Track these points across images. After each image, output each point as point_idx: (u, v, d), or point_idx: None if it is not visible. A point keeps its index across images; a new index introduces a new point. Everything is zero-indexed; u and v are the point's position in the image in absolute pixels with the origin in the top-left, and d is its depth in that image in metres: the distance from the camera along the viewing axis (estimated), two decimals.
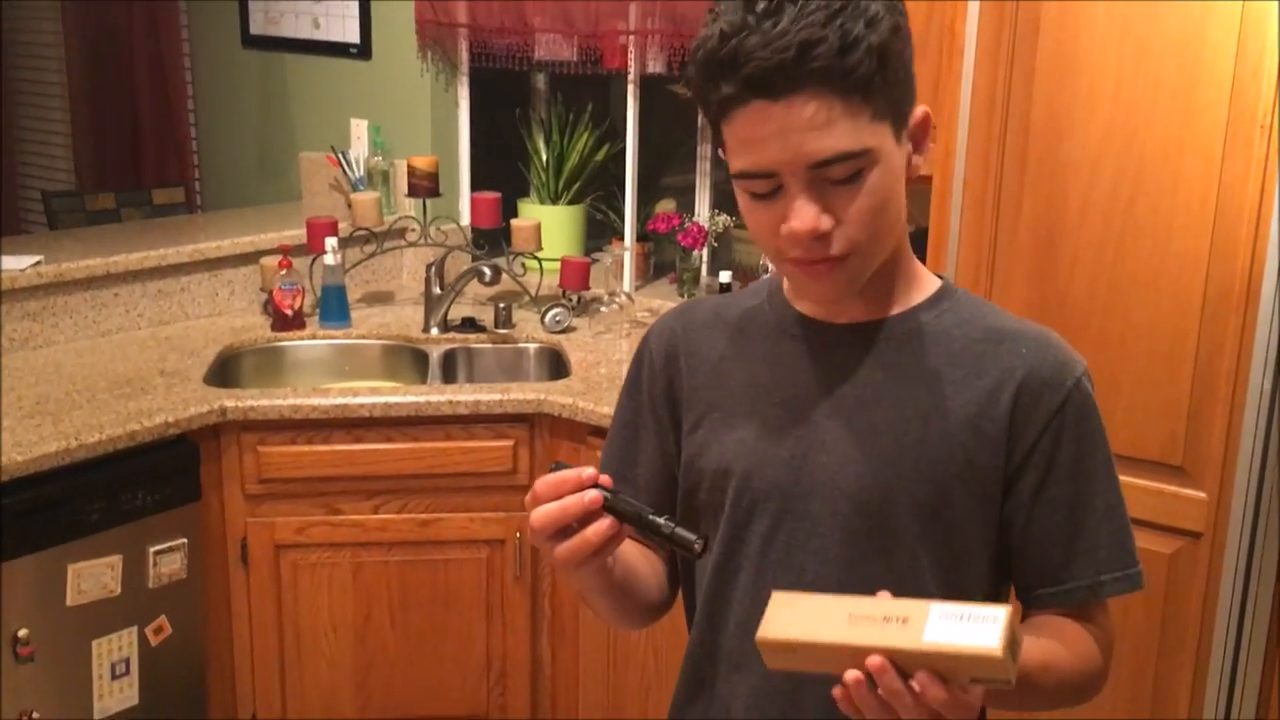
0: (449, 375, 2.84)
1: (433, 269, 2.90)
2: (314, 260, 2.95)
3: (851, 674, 0.82)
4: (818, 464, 1.05)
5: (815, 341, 1.09)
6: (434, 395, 2.48)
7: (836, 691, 0.84)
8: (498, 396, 2.46)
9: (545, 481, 0.99)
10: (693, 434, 1.13)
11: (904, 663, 0.82)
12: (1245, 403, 1.69)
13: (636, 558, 1.16)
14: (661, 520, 0.98)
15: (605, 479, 1.00)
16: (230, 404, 2.39)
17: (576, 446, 2.46)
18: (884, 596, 0.86)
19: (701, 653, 1.15)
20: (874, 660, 0.81)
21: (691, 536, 0.97)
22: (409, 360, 2.88)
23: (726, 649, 1.12)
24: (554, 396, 2.46)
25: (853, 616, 0.84)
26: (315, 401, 2.43)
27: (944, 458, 1.03)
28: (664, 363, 1.18)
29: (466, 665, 2.58)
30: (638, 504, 1.00)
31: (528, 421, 2.49)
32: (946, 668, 0.82)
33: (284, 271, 2.83)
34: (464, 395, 2.47)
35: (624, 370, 2.45)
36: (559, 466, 1.01)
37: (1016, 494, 1.04)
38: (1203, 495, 1.77)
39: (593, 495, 0.97)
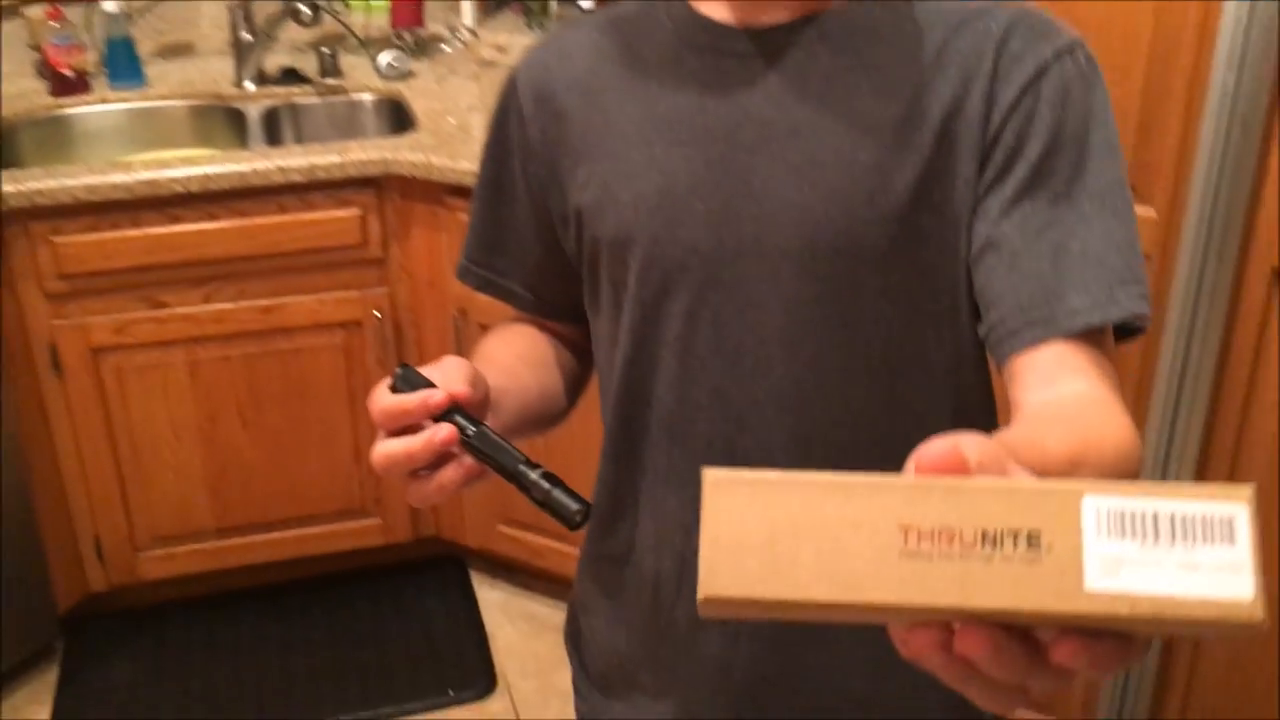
0: (274, 137, 2.46)
1: (238, 12, 2.46)
2: (90, 8, 2.47)
3: (923, 637, 0.44)
4: (745, 216, 0.80)
5: (730, 52, 0.82)
6: (260, 162, 2.11)
7: (899, 637, 0.45)
8: (335, 158, 2.12)
9: (383, 409, 0.76)
10: (581, 194, 0.87)
11: (1041, 621, 0.43)
12: (1204, 106, 1.50)
13: (526, 387, 0.93)
14: (534, 475, 0.76)
15: (462, 391, 0.77)
16: (10, 188, 1.99)
17: (434, 209, 2.15)
18: (934, 456, 0.44)
19: (617, 472, 0.93)
20: (976, 638, 0.42)
21: (570, 504, 0.75)
22: (223, 122, 2.48)
23: (648, 463, 0.90)
24: (402, 154, 2.13)
25: (907, 537, 0.42)
26: (116, 179, 2.04)
27: (908, 183, 0.78)
28: (535, 107, 0.89)
29: (333, 460, 2.35)
30: (505, 444, 0.77)
31: (374, 185, 2.16)
32: (1128, 627, 0.43)
33: (54, 24, 2.36)
34: (295, 160, 2.12)
35: (477, 119, 2.09)
36: (403, 375, 0.77)
37: (985, 208, 0.78)
38: (1151, 213, 1.60)
39: (445, 435, 0.74)
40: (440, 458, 0.75)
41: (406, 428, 0.76)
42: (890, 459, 0.88)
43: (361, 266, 2.20)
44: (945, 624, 0.43)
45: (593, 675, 1.00)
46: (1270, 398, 1.61)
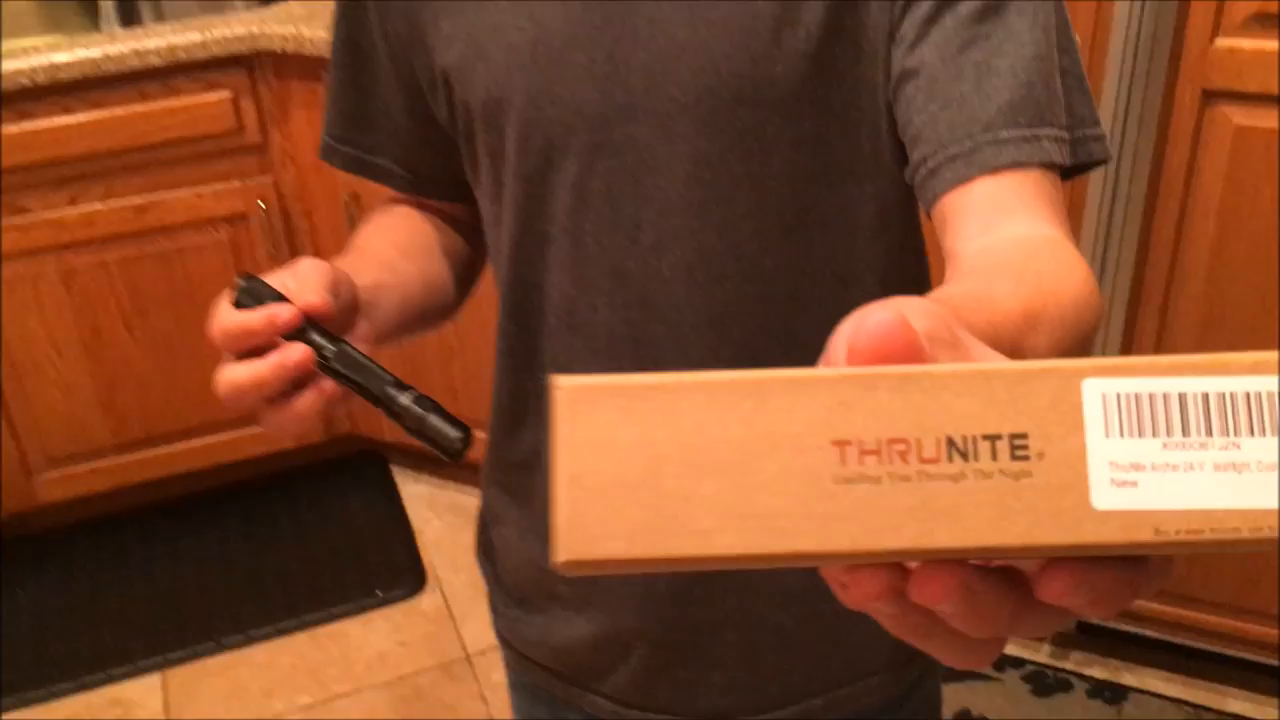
0: (128, 18, 2.25)
1: None
2: None
3: (868, 583, 0.32)
4: (633, 65, 0.69)
5: None
6: (112, 45, 1.92)
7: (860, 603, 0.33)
8: (196, 36, 1.93)
9: (223, 329, 0.64)
10: (447, 51, 0.74)
11: (1031, 554, 0.32)
12: None
13: (406, 281, 0.81)
14: (404, 400, 0.64)
15: (317, 302, 0.65)
16: None
17: (313, 87, 1.99)
18: (875, 332, 0.31)
19: (515, 369, 0.82)
20: (939, 582, 0.31)
21: (449, 431, 0.64)
22: (73, 5, 2.26)
23: (547, 358, 0.80)
24: (270, 27, 1.95)
25: (844, 455, 0.30)
26: None
27: (817, 14, 0.67)
28: None
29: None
30: (370, 365, 0.65)
31: (244, 64, 1.98)
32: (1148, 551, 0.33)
33: None
34: (151, 41, 1.93)
35: None
36: (247, 287, 0.65)
37: (901, 33, 0.67)
38: (1076, 37, 1.50)
39: (298, 358, 0.63)
40: (296, 382, 0.64)
41: (255, 349, 0.64)
42: (819, 333, 0.79)
43: (240, 155, 2.04)
44: (898, 563, 0.32)
45: (508, 589, 0.92)
46: (1204, 227, 1.55)
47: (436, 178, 0.84)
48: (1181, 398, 0.29)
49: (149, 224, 2.04)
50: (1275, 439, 0.29)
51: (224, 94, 1.98)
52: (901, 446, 0.30)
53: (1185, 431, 0.29)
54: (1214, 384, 0.30)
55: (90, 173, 1.97)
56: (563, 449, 0.30)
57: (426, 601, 2.14)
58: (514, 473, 0.86)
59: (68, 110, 1.92)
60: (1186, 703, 1.81)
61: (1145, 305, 1.63)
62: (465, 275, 0.88)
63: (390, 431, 2.34)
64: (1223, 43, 1.45)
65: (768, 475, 0.30)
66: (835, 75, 0.68)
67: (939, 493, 0.29)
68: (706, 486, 0.30)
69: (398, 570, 2.20)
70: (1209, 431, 0.29)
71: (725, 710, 0.85)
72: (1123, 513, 0.29)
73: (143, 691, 1.98)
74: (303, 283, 0.66)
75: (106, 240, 2.03)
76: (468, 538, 2.26)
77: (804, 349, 0.75)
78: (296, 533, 2.31)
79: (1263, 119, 1.47)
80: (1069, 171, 0.67)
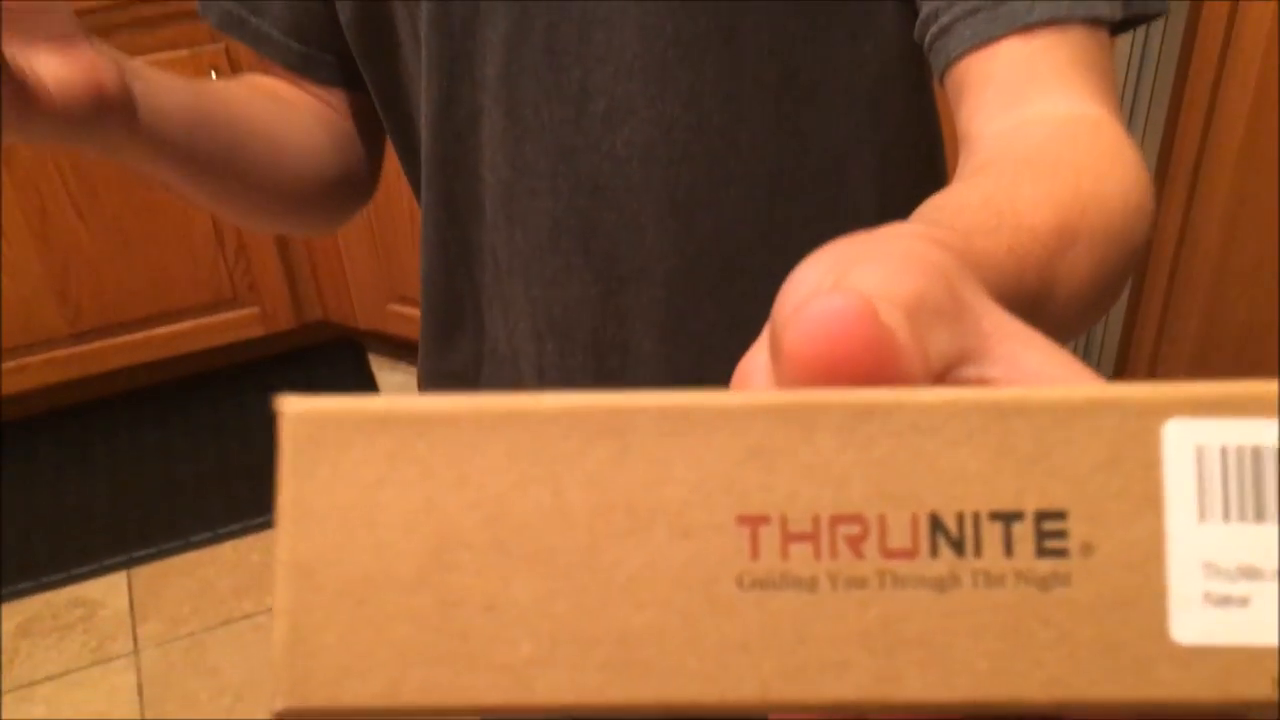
0: None
1: None
2: None
3: None
4: None
5: None
6: None
7: None
8: None
9: None
10: None
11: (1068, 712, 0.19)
12: None
13: (258, 106, 0.65)
14: None
15: None
16: None
17: None
18: (817, 324, 0.19)
19: (447, 268, 0.68)
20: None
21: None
22: None
23: (486, 255, 0.66)
24: None
25: (755, 544, 0.18)
26: None
27: None
28: None
29: (193, 246, 2.08)
30: None
31: None
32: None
33: None
34: None
35: None
36: None
37: None
38: None
39: None
40: None
41: None
42: (805, 226, 0.66)
43: (189, 21, 1.87)
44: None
45: None
46: (1239, 100, 1.40)
47: (324, 54, 0.69)
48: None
49: None
50: None
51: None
52: (853, 529, 0.18)
53: None
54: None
55: None
56: (288, 518, 0.19)
57: None
58: (450, 385, 0.74)
59: None
60: None
61: (1172, 186, 1.49)
62: (342, 164, 0.71)
63: (362, 318, 2.22)
64: None
65: (628, 572, 0.18)
66: None
67: (913, 609, 0.18)
68: (523, 589, 0.19)
69: None
70: None
71: None
72: (1223, 650, 0.17)
73: (106, 590, 1.90)
74: None
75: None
76: None
77: (788, 244, 0.61)
78: (268, 424, 2.20)
79: None
80: (1118, 27, 0.53)
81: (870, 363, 0.19)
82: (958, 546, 0.18)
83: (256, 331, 2.20)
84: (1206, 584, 0.17)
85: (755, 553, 0.18)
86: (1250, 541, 0.17)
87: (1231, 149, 1.44)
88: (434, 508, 0.19)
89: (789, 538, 0.18)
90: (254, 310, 2.18)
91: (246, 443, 2.17)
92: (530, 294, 0.65)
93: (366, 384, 2.28)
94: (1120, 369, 1.66)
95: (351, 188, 0.72)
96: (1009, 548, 0.18)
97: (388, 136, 0.71)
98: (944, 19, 0.50)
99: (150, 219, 2.02)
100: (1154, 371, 1.62)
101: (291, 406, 0.19)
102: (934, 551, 0.18)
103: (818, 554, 0.18)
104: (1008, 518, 0.18)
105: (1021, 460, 0.18)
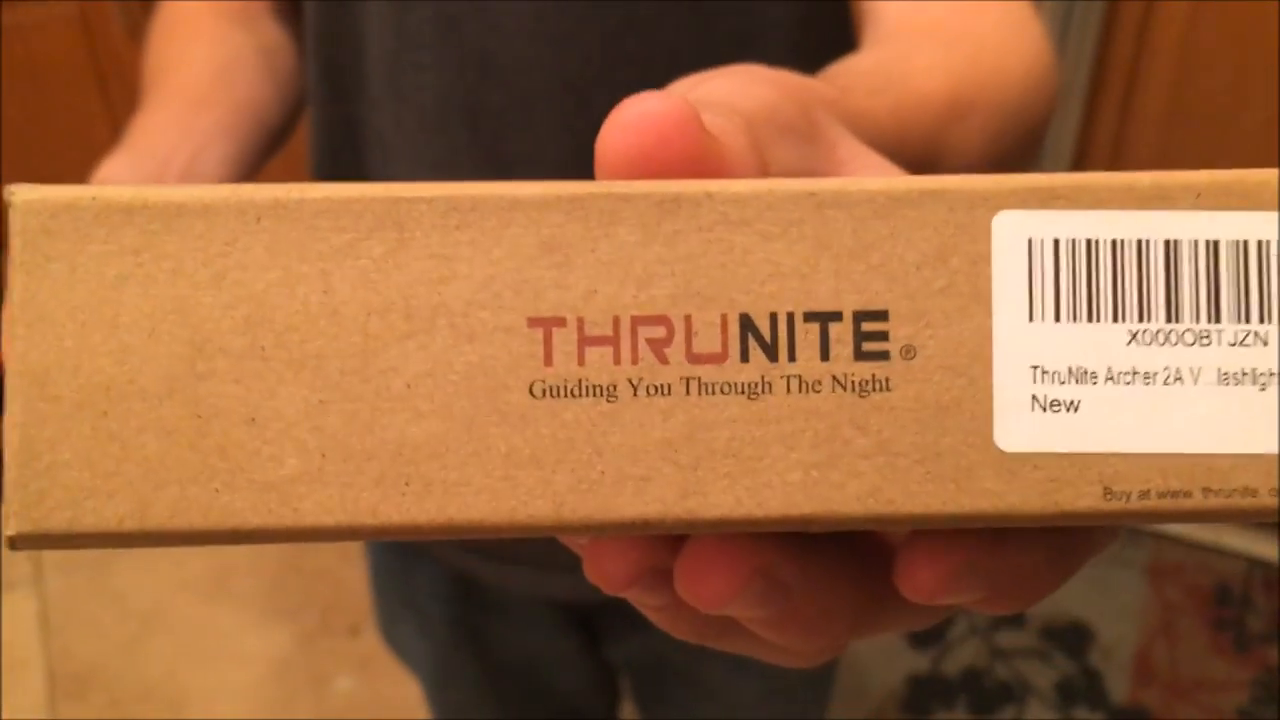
0: None
1: None
2: None
3: (616, 564, 0.18)
4: None
5: None
6: None
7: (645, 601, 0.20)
8: None
9: None
10: None
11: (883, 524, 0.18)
12: None
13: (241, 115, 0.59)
14: None
15: None
16: None
17: None
18: (633, 119, 0.18)
19: (330, 145, 0.64)
20: (720, 577, 0.17)
21: None
22: None
23: (371, 134, 0.62)
24: None
25: (547, 352, 0.17)
26: None
27: None
28: None
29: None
30: None
31: None
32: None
33: None
34: None
35: None
36: None
37: None
38: None
39: None
40: None
41: None
42: None
43: None
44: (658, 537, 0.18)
45: None
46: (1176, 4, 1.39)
47: None
48: (1171, 247, 0.16)
49: None
50: (1256, 326, 0.16)
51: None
52: (657, 330, 0.17)
53: (1173, 312, 0.16)
54: (1226, 223, 0.16)
55: None
56: (20, 321, 0.17)
57: None
58: None
59: None
60: None
61: (1105, 94, 1.48)
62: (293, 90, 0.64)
63: None
64: None
65: (406, 379, 0.17)
66: None
67: (721, 417, 0.17)
68: (288, 399, 0.17)
69: None
70: (1215, 311, 0.16)
71: None
72: (1051, 457, 0.17)
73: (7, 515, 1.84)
74: None
75: None
76: None
77: None
78: None
79: None
80: None
81: (690, 171, 0.17)
82: (770, 350, 0.17)
83: None
84: (1035, 388, 0.16)
85: (549, 358, 0.17)
86: (1083, 342, 0.16)
87: (1168, 59, 1.43)
88: (186, 308, 0.17)
89: (585, 341, 0.17)
90: None
91: None
92: (417, 177, 0.61)
93: None
94: None
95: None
96: (825, 351, 0.17)
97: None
98: None
99: (46, 125, 1.94)
100: None
101: (23, 194, 0.17)
102: (744, 355, 0.17)
103: (617, 359, 0.17)
104: (824, 318, 0.17)
105: (840, 255, 0.16)
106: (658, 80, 0.55)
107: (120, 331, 0.17)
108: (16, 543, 0.17)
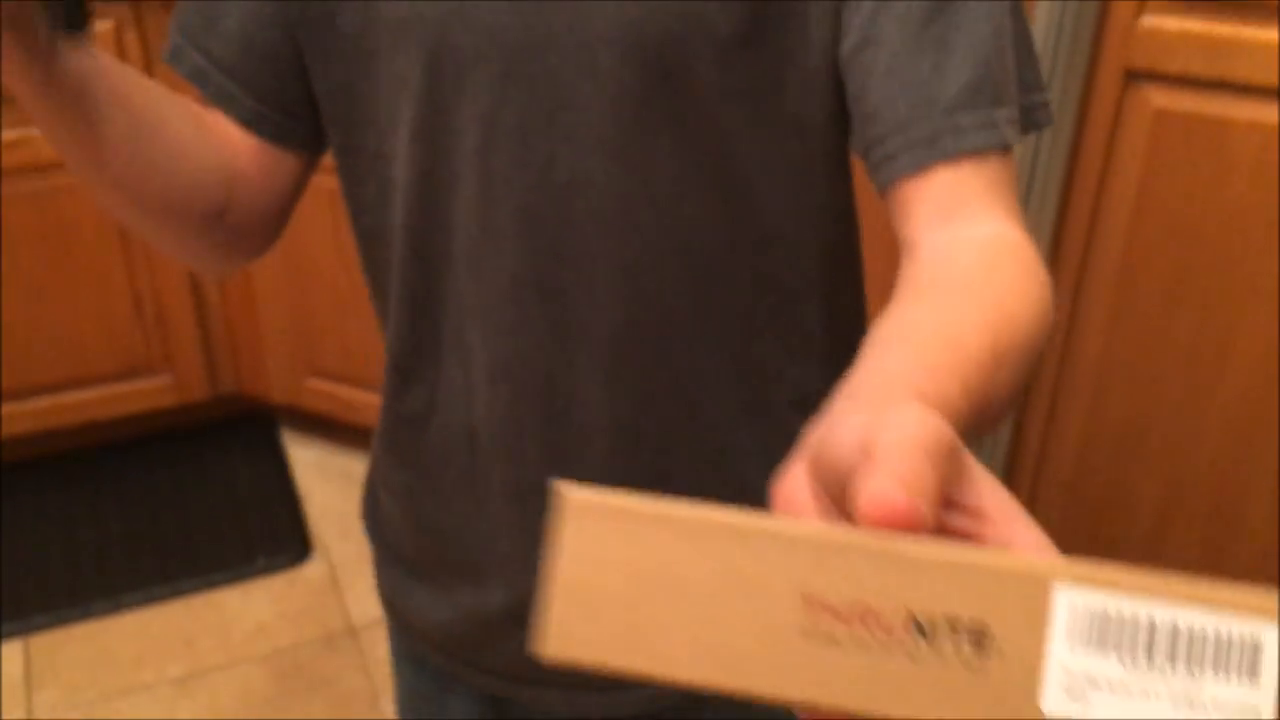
0: None
1: None
2: None
3: None
4: None
5: None
6: None
7: None
8: None
9: None
10: None
11: None
12: None
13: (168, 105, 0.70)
14: None
15: None
16: None
17: None
18: (884, 501, 0.31)
19: (412, 315, 0.74)
20: None
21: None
22: None
23: (450, 304, 0.72)
24: None
25: (811, 613, 0.31)
26: None
27: None
28: None
29: (109, 313, 2.09)
30: None
31: None
32: None
33: None
34: None
35: None
36: None
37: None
38: None
39: None
40: None
41: None
42: (736, 293, 0.74)
43: None
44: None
45: (395, 553, 0.85)
46: (1121, 206, 1.54)
47: (291, 118, 0.74)
48: (1152, 624, 0.29)
49: (18, 161, 1.90)
50: (1238, 685, 0.28)
51: (106, 24, 1.85)
52: (868, 615, 0.30)
53: (1148, 658, 0.29)
54: (1185, 615, 0.29)
55: None
56: (564, 558, 0.32)
57: (311, 571, 2.05)
58: (404, 429, 0.79)
59: None
60: None
61: (1058, 285, 1.61)
62: (215, 199, 0.72)
63: (277, 392, 2.23)
64: (1147, 21, 1.43)
65: (737, 615, 0.31)
66: (774, 21, 0.63)
67: (896, 667, 0.30)
68: (681, 616, 0.31)
69: (281, 537, 2.10)
70: (1171, 663, 0.29)
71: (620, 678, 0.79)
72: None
73: (2, 657, 1.86)
74: None
75: None
76: (358, 505, 2.18)
77: (712, 309, 0.69)
78: (174, 496, 2.19)
79: (1182, 102, 1.46)
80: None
81: (906, 528, 0.31)
82: (925, 636, 0.30)
83: (168, 401, 2.20)
84: (1066, 681, 0.30)
85: (810, 618, 0.31)
86: (1095, 665, 0.30)
87: (1113, 258, 1.57)
88: (641, 562, 0.32)
89: (829, 615, 0.31)
90: (166, 379, 2.18)
91: (152, 513, 2.15)
92: (488, 341, 0.71)
93: (278, 459, 2.29)
94: (1010, 465, 1.76)
95: (232, 228, 0.74)
96: (955, 643, 0.30)
97: (344, 197, 0.76)
98: (888, 147, 0.61)
99: (68, 284, 2.03)
100: (1040, 469, 1.73)
101: (572, 492, 0.32)
102: (912, 637, 0.30)
103: (845, 625, 0.31)
104: (955, 623, 0.30)
105: (970, 595, 0.30)
106: (696, 270, 0.67)
107: (628, 577, 0.31)
108: None
